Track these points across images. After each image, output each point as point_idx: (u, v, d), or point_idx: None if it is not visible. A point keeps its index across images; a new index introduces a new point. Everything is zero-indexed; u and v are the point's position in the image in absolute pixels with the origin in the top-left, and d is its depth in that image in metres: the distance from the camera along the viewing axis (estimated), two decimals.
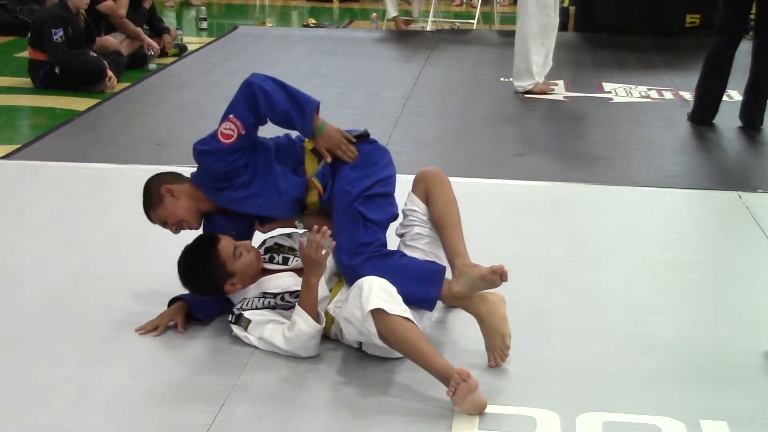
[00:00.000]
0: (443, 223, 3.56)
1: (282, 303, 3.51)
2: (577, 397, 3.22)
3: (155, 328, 3.59)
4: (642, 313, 3.89)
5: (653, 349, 3.59)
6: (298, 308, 3.39)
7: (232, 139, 3.55)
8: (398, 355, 3.31)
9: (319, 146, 3.63)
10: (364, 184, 3.59)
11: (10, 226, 4.74)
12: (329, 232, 3.38)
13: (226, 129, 3.55)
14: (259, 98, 3.52)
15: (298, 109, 3.57)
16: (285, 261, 3.60)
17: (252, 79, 3.58)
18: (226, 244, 3.53)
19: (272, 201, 3.63)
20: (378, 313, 3.16)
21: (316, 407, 3.13)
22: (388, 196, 3.67)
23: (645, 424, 3.07)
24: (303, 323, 3.35)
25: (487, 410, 3.11)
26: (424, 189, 3.64)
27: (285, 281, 3.53)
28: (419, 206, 3.63)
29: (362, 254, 3.49)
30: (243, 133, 3.54)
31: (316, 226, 3.40)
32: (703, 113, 7.00)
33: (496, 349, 3.36)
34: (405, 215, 3.66)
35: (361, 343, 3.41)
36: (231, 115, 3.56)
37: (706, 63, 6.89)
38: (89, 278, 4.10)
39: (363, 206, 3.56)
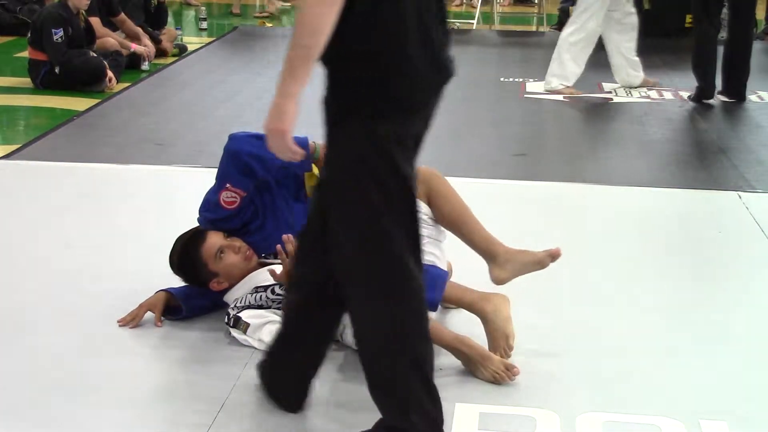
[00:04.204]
0: (461, 218, 3.57)
1: (273, 296, 3.51)
2: (577, 397, 3.22)
3: (133, 318, 3.63)
4: (641, 312, 3.89)
5: (653, 349, 3.59)
6: None
7: (236, 204, 3.58)
8: None
9: (321, 169, 3.64)
10: None
11: (10, 226, 4.74)
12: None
13: (228, 197, 3.57)
14: (252, 165, 3.52)
15: None
16: None
17: (236, 147, 3.55)
18: (211, 243, 3.55)
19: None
20: None
21: (317, 407, 3.13)
22: None
23: (645, 424, 3.07)
24: None
25: (487, 410, 3.12)
26: (425, 189, 3.63)
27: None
28: (420, 206, 3.62)
29: None
30: (245, 195, 3.57)
31: (288, 237, 3.36)
32: (709, 88, 7.61)
33: (500, 349, 3.36)
34: None
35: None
36: (228, 184, 3.56)
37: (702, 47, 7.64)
38: (89, 278, 4.10)
39: None
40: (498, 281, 3.49)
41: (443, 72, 2.69)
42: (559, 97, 7.91)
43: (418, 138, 2.75)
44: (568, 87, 7.96)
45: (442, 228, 3.65)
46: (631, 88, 8.16)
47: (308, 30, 2.45)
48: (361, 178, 2.61)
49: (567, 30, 7.98)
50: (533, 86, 8.28)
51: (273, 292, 3.51)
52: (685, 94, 7.96)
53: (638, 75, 8.18)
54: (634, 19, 8.03)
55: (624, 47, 8.06)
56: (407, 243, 2.68)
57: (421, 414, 2.75)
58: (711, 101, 7.69)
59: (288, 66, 2.48)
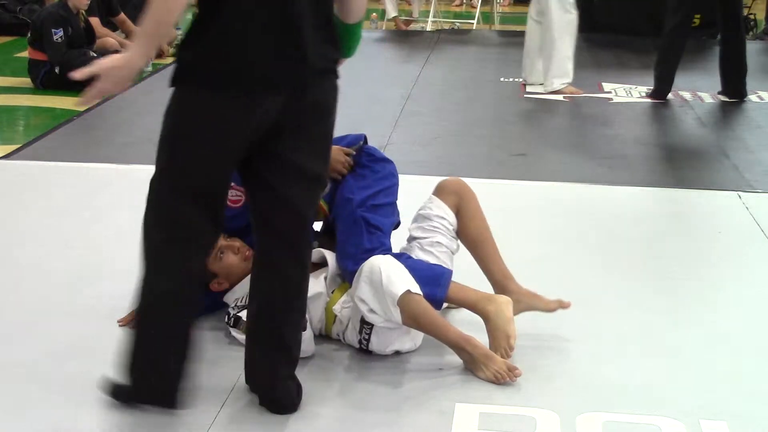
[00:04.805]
0: (482, 242, 3.63)
1: None
2: (577, 397, 3.23)
3: (133, 318, 3.62)
4: (641, 312, 3.90)
5: (653, 348, 3.59)
6: None
7: (241, 203, 3.58)
8: (403, 347, 3.40)
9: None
10: (367, 193, 3.60)
11: (10, 226, 4.74)
12: None
13: (233, 196, 3.55)
14: None
15: None
16: None
17: None
18: None
19: None
20: (403, 296, 3.22)
21: (316, 407, 3.13)
22: (392, 205, 3.68)
23: (645, 424, 3.07)
24: None
25: (487, 410, 3.12)
26: (456, 201, 3.64)
27: None
28: (449, 216, 3.63)
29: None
30: None
31: None
32: (665, 88, 7.78)
33: (500, 349, 3.37)
34: (428, 219, 3.64)
35: (361, 342, 3.41)
36: (233, 183, 3.55)
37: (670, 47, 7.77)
38: (89, 278, 4.10)
39: (367, 213, 3.57)
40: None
41: (299, 62, 2.80)
42: (559, 97, 7.90)
43: (277, 123, 2.84)
44: (569, 85, 7.97)
45: (459, 242, 3.67)
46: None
47: (163, 5, 2.67)
48: (172, 138, 2.85)
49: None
50: (533, 86, 8.28)
51: None
52: (685, 94, 7.97)
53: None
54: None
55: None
56: (194, 214, 2.89)
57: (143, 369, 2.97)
58: (663, 101, 7.78)
59: (143, 33, 2.73)
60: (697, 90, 8.10)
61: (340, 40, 2.96)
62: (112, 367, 3.13)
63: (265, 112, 2.80)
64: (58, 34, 7.77)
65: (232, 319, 3.50)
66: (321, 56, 2.85)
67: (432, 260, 3.57)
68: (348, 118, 7.01)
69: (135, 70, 2.73)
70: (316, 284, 3.45)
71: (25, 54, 8.35)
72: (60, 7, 7.95)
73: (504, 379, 3.26)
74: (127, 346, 2.99)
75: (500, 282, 3.61)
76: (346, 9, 3.03)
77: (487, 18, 12.36)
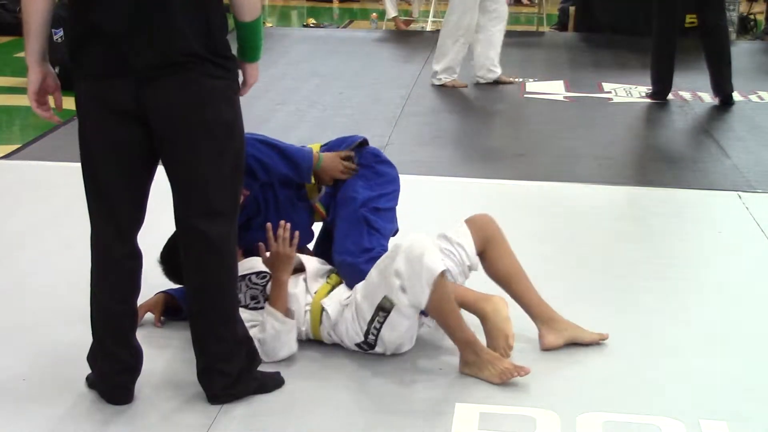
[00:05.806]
0: (515, 278, 3.61)
1: (251, 285, 3.49)
2: (577, 397, 3.22)
3: None
4: (641, 312, 3.90)
5: (653, 348, 3.59)
6: (267, 308, 3.37)
7: (240, 201, 3.56)
8: (404, 345, 3.40)
9: (323, 181, 3.64)
10: (371, 195, 3.60)
11: (11, 226, 4.74)
12: (288, 224, 3.42)
13: None
14: (254, 168, 3.52)
15: (294, 168, 3.59)
16: None
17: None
18: None
19: None
20: (440, 276, 3.22)
21: (316, 407, 3.13)
22: (392, 211, 3.68)
23: (645, 424, 3.07)
24: (273, 320, 3.34)
25: (487, 410, 3.12)
26: (484, 238, 3.62)
27: (250, 263, 3.54)
28: (468, 249, 3.59)
29: (365, 256, 3.49)
30: (248, 193, 3.57)
31: (281, 222, 3.43)
32: (663, 88, 7.72)
33: (499, 348, 3.36)
34: (448, 242, 3.60)
35: (359, 343, 3.41)
36: None
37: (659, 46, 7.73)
38: (89, 278, 4.09)
39: (370, 215, 3.57)
40: (549, 346, 3.52)
41: (124, 55, 2.84)
42: (560, 97, 7.91)
43: (149, 126, 2.89)
44: (455, 79, 8.16)
45: (468, 274, 3.65)
46: (487, 82, 8.26)
47: (23, 6, 2.91)
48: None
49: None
50: (533, 86, 8.29)
51: (250, 281, 3.51)
52: (685, 94, 7.97)
53: (497, 70, 8.28)
54: (503, 9, 8.07)
55: (495, 38, 8.10)
56: (97, 206, 2.99)
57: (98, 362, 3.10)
58: (663, 101, 7.76)
59: (24, 38, 2.91)
60: (697, 90, 8.10)
61: (214, 36, 2.88)
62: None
63: (114, 101, 2.85)
64: (58, 34, 7.77)
65: None
66: (149, 48, 2.81)
67: None
68: (348, 118, 7.08)
69: (34, 80, 2.94)
70: (293, 287, 3.44)
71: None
72: (60, 7, 7.94)
73: (512, 375, 3.24)
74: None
75: (541, 315, 3.57)
76: (237, 5, 2.94)
77: None
